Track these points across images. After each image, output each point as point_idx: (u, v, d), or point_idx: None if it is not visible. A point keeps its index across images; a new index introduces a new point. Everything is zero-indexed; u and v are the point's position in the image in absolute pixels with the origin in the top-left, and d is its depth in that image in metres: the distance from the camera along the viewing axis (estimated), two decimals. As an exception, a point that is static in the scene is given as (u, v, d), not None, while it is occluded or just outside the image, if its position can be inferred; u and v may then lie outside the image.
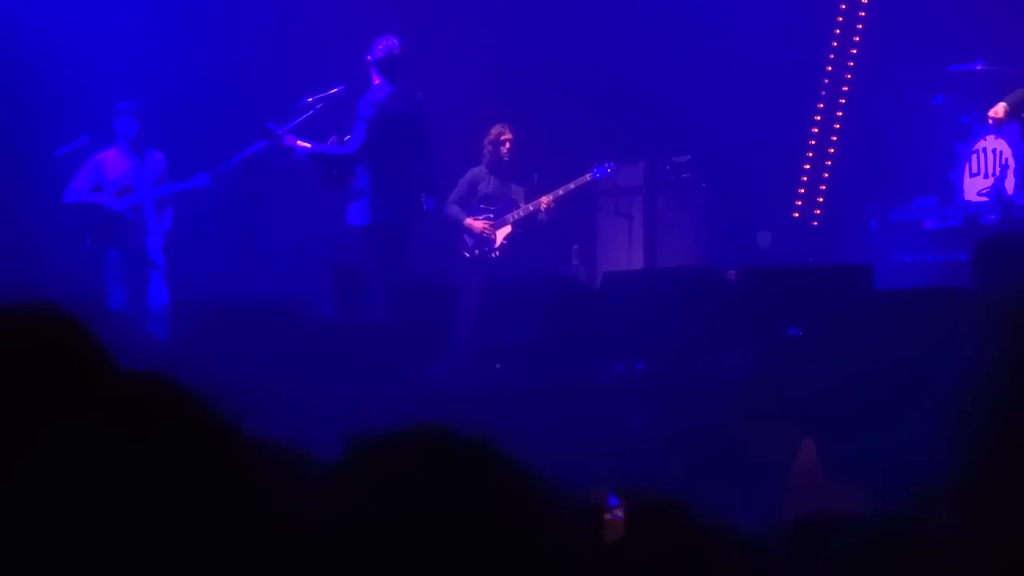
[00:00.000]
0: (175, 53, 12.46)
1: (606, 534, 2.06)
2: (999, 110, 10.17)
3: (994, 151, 11.31)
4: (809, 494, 5.80)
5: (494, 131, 11.91)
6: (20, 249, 11.63)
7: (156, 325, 10.64)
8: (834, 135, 12.82)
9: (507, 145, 11.86)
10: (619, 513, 2.07)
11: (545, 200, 11.76)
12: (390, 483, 1.62)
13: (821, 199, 12.67)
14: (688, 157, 12.47)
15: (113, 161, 11.56)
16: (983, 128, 11.27)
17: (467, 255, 11.88)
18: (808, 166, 12.78)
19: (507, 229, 11.85)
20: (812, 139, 12.83)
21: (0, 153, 12.11)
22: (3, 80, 12.19)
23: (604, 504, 2.08)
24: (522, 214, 11.83)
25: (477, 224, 11.88)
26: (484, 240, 11.87)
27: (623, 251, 12.35)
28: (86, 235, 11.48)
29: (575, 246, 12.62)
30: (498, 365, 8.41)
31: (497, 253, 11.82)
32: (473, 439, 1.67)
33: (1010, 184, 11.07)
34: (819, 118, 12.86)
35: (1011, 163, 11.12)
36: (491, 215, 11.89)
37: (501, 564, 1.57)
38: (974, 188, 11.43)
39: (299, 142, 10.36)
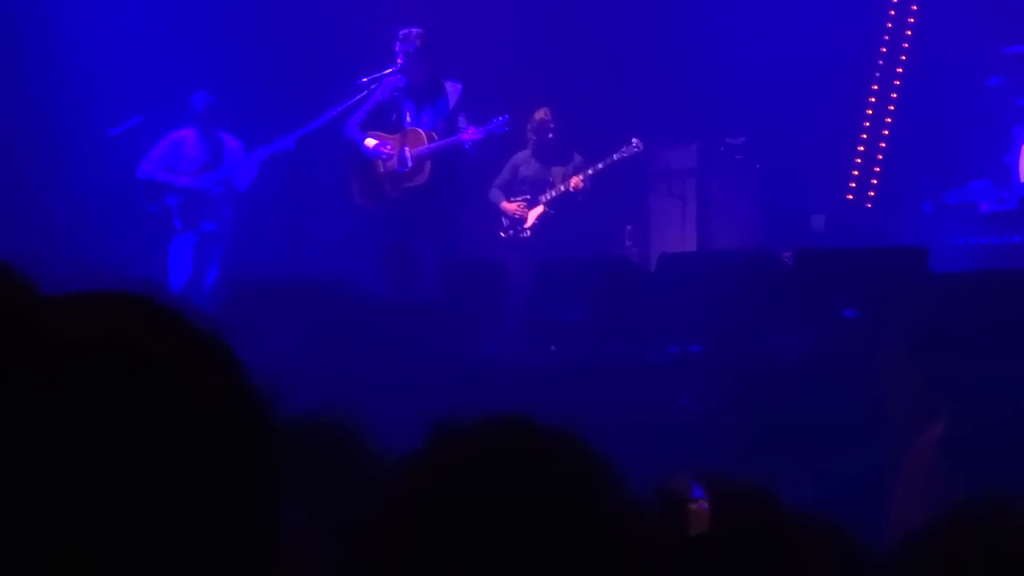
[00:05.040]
0: (234, 38, 12.47)
1: (691, 525, 2.03)
2: None
3: (1051, 134, 11.21)
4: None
5: (536, 115, 12.01)
6: (74, 227, 11.66)
7: (209, 303, 10.66)
8: (888, 117, 12.74)
9: (548, 129, 11.89)
10: (703, 504, 2.05)
11: (575, 180, 11.82)
12: (474, 472, 1.61)
13: (875, 181, 12.59)
14: (742, 139, 12.43)
15: (192, 143, 11.49)
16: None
17: (502, 235, 11.96)
18: (862, 148, 12.71)
19: (539, 209, 11.94)
20: (866, 121, 12.75)
21: (57, 131, 12.10)
22: (63, 55, 12.21)
23: (687, 494, 2.06)
24: (554, 194, 11.89)
25: (511, 206, 12.03)
26: (517, 221, 11.96)
27: (676, 233, 12.34)
28: (167, 213, 11.38)
29: (628, 227, 12.62)
30: (553, 347, 8.39)
31: (528, 233, 11.89)
32: (557, 429, 1.67)
33: (1067, 167, 10.97)
34: (873, 100, 12.78)
35: (1068, 146, 11.03)
36: (527, 197, 11.96)
37: (586, 557, 1.57)
38: (1030, 171, 11.33)
39: None
